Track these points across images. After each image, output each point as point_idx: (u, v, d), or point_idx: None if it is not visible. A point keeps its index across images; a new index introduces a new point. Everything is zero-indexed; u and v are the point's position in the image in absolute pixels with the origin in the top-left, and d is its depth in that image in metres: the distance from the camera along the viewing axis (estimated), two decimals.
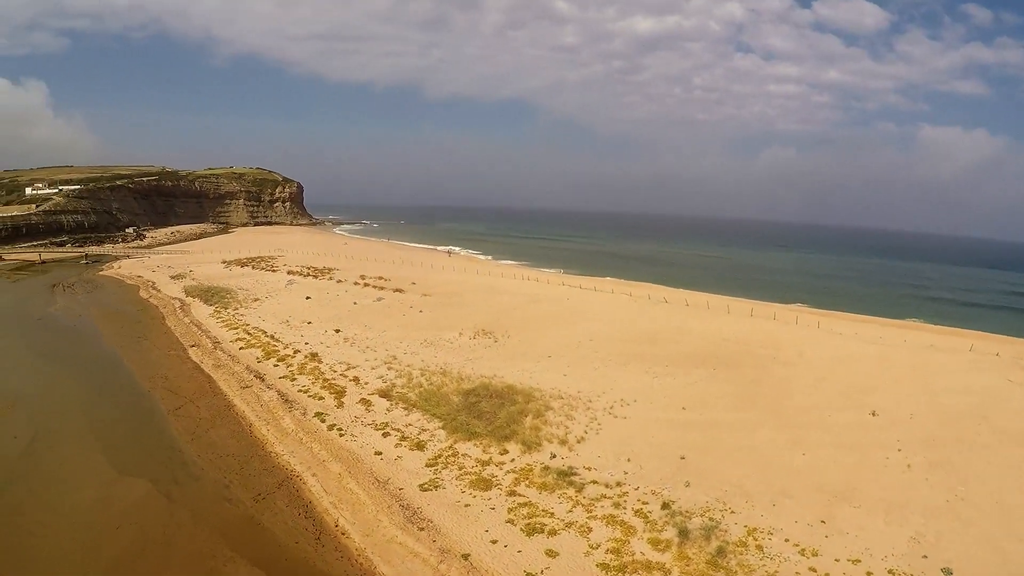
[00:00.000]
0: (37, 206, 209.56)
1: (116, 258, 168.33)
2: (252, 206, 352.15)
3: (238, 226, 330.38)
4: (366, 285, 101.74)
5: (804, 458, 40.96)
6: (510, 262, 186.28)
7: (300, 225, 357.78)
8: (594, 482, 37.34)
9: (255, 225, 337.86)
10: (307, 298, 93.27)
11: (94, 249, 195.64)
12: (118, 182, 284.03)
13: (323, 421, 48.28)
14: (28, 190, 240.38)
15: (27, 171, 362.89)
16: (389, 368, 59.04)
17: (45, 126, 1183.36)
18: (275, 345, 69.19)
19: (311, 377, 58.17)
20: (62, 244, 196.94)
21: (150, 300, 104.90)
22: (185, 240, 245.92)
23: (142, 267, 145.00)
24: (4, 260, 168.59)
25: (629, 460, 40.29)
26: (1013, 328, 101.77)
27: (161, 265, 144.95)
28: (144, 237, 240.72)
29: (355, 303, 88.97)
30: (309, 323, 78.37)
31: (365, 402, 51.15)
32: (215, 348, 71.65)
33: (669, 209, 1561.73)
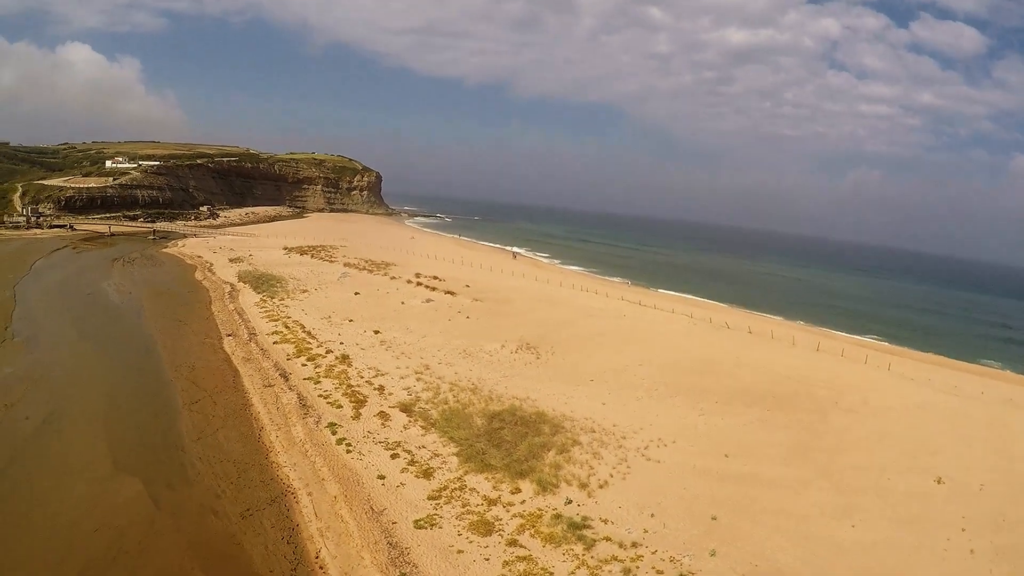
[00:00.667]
0: (114, 179, 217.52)
1: (183, 236, 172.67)
2: (329, 192, 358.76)
3: (314, 211, 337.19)
4: (419, 284, 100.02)
5: (853, 532, 36.04)
6: (576, 268, 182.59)
7: (375, 214, 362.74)
8: (607, 539, 33.49)
9: (331, 212, 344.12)
10: (356, 293, 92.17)
11: (164, 225, 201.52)
12: (199, 160, 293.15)
13: (334, 433, 46.06)
14: (108, 163, 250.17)
15: (115, 144, 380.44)
16: (419, 379, 56.56)
17: (137, 102, 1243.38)
18: (309, 342, 67.82)
19: (336, 381, 56.24)
20: (135, 218, 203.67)
21: (203, 282, 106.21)
22: (257, 222, 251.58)
23: (205, 247, 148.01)
24: (75, 230, 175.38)
25: (653, 515, 36.25)
26: None
27: (224, 247, 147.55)
28: (217, 216, 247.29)
29: (403, 303, 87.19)
30: (351, 321, 76.89)
31: (383, 416, 48.72)
32: (250, 340, 70.93)
33: (752, 223, 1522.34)
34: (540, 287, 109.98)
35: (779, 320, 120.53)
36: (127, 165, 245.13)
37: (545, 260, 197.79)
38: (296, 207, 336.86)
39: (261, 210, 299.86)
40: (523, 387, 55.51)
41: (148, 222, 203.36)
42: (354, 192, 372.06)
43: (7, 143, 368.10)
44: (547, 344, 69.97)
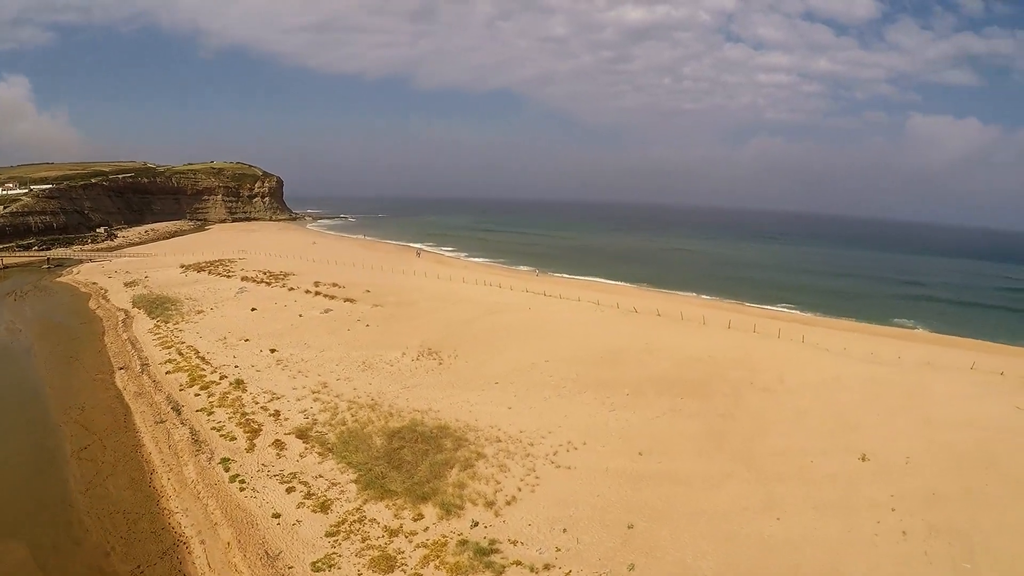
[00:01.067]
0: (4, 207, 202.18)
1: (78, 262, 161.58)
2: (230, 202, 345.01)
3: (216, 222, 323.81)
4: (317, 294, 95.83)
5: (779, 526, 34.26)
6: (482, 260, 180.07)
7: (278, 220, 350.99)
8: (518, 563, 31.32)
9: (233, 221, 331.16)
10: (252, 309, 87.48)
11: (59, 252, 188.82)
12: (94, 180, 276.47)
13: (227, 470, 42.73)
14: None
15: (6, 168, 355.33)
16: (316, 399, 53.43)
17: (28, 122, 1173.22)
18: (203, 369, 63.47)
19: (230, 410, 52.56)
20: (28, 247, 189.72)
21: (97, 311, 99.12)
22: (157, 240, 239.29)
23: (100, 272, 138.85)
24: None
25: (565, 530, 34.16)
26: (1015, 332, 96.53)
27: (119, 270, 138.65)
28: (115, 237, 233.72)
29: (300, 315, 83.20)
30: (247, 340, 72.64)
31: (279, 444, 45.60)
32: (142, 372, 65.99)
33: (659, 199, 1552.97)
34: (443, 285, 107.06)
35: (689, 297, 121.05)
36: (18, 191, 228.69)
37: (450, 255, 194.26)
38: (197, 219, 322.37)
39: (161, 226, 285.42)
40: (425, 398, 52.99)
41: (42, 250, 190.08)
42: (255, 199, 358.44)
43: None
44: (450, 347, 67.65)
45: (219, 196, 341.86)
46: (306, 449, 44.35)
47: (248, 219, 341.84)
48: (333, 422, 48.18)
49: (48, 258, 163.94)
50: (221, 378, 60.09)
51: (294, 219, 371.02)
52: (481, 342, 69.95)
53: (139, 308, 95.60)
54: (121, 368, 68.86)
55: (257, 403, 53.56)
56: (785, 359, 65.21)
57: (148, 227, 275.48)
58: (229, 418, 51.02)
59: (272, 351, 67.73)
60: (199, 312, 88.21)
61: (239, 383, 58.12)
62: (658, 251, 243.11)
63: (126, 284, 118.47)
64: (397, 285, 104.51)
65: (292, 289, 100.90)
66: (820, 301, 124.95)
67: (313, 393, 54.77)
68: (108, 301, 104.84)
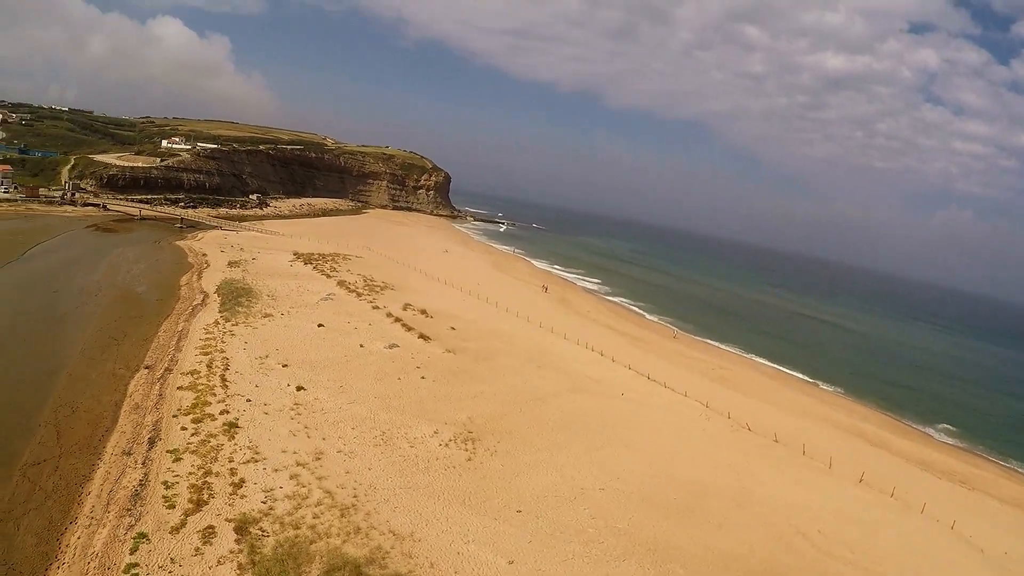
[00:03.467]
0: (161, 160, 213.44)
1: (208, 227, 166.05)
2: (395, 189, 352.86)
3: (376, 207, 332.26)
4: (397, 320, 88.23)
5: None
6: (621, 300, 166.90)
7: (439, 215, 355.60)
8: None
9: (393, 208, 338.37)
10: (319, 325, 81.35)
11: (201, 212, 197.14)
12: (261, 147, 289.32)
13: (133, 551, 35.27)
14: (164, 143, 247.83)
15: (193, 121, 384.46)
16: (293, 476, 44.80)
17: (225, 80, 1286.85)
18: (214, 394, 57.19)
19: (198, 463, 45.23)
20: (176, 202, 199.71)
21: (181, 288, 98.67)
22: (306, 216, 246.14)
23: (218, 243, 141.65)
24: (108, 210, 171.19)
25: None
26: None
27: (236, 245, 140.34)
28: (266, 205, 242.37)
29: (362, 346, 75.68)
30: (285, 366, 65.98)
31: (209, 533, 37.33)
32: (161, 379, 61.18)
33: (830, 255, 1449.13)
34: (542, 338, 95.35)
35: (829, 396, 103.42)
36: (182, 146, 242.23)
37: (592, 286, 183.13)
38: (360, 201, 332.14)
39: (319, 202, 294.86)
40: (415, 512, 42.36)
41: (189, 206, 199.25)
42: (420, 191, 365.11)
43: (90, 112, 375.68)
44: (498, 433, 57.04)
45: (384, 182, 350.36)
46: (230, 554, 35.64)
47: (409, 209, 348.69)
48: (286, 520, 39.16)
49: (182, 218, 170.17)
50: (221, 412, 53.24)
51: (455, 217, 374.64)
52: (540, 434, 58.79)
53: (219, 295, 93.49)
54: (147, 367, 64.73)
55: (232, 460, 45.89)
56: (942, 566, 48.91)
57: (305, 201, 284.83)
58: (189, 473, 43.65)
59: (299, 388, 60.31)
60: (267, 316, 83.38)
61: (232, 426, 50.87)
62: (814, 323, 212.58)
63: (229, 263, 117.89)
64: (490, 328, 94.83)
65: (377, 308, 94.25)
66: (991, 432, 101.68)
67: (298, 465, 46.23)
68: (200, 279, 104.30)
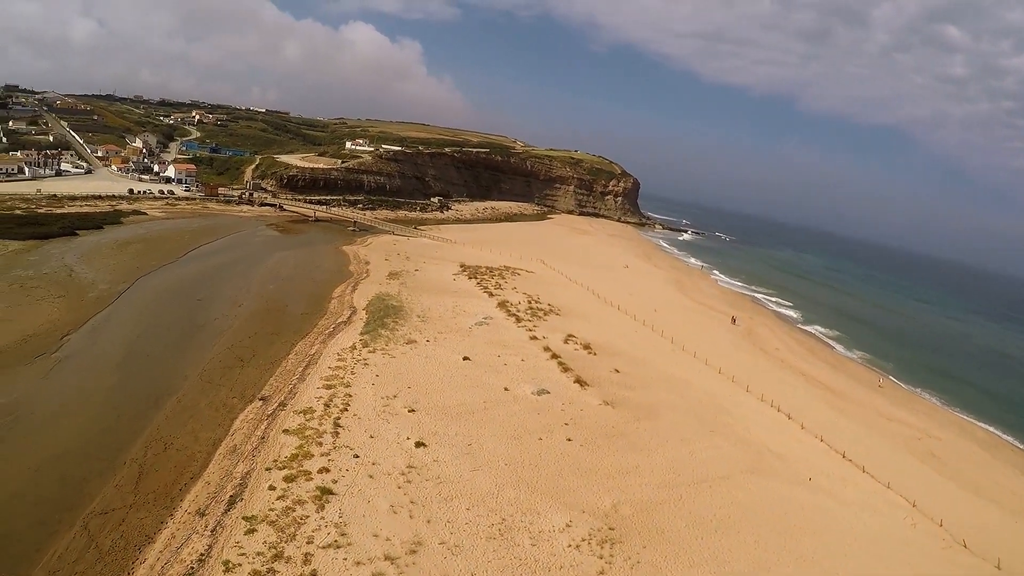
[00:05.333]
0: (343, 162, 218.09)
1: (380, 232, 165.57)
2: (581, 194, 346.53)
3: (562, 212, 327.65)
4: (554, 357, 78.08)
5: None
6: (818, 330, 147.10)
7: (626, 222, 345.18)
8: None
9: (579, 214, 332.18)
10: (465, 359, 73.37)
11: (382, 214, 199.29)
12: (446, 149, 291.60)
13: None
14: (348, 144, 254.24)
15: (384, 123, 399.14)
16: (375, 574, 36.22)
17: (416, 83, 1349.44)
18: (320, 443, 50.69)
19: (273, 539, 38.44)
20: (355, 203, 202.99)
21: (331, 302, 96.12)
22: (487, 221, 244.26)
23: (385, 250, 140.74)
24: (284, 211, 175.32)
25: None
26: None
27: (403, 253, 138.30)
28: (447, 208, 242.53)
29: (506, 389, 66.48)
30: (411, 411, 58.35)
31: None
32: (272, 416, 55.94)
33: None
34: (720, 388, 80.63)
35: None
36: (364, 148, 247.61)
37: (785, 310, 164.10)
38: (545, 205, 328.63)
39: (503, 206, 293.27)
40: None
41: (368, 208, 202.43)
42: (608, 197, 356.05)
43: (286, 113, 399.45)
44: (644, 533, 45.09)
45: (571, 187, 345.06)
46: None
47: (596, 215, 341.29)
48: None
49: (355, 221, 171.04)
50: (320, 471, 46.28)
51: (642, 225, 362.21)
52: (700, 537, 46.10)
53: (366, 312, 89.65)
54: (261, 399, 59.85)
55: (311, 541, 38.46)
56: None
57: (489, 204, 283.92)
58: (257, 553, 37.13)
59: (419, 445, 52.22)
60: (410, 342, 76.95)
61: (326, 493, 43.52)
62: None
63: (390, 274, 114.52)
64: (661, 373, 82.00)
65: (535, 339, 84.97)
66: None
67: (385, 559, 37.54)
68: (353, 292, 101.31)
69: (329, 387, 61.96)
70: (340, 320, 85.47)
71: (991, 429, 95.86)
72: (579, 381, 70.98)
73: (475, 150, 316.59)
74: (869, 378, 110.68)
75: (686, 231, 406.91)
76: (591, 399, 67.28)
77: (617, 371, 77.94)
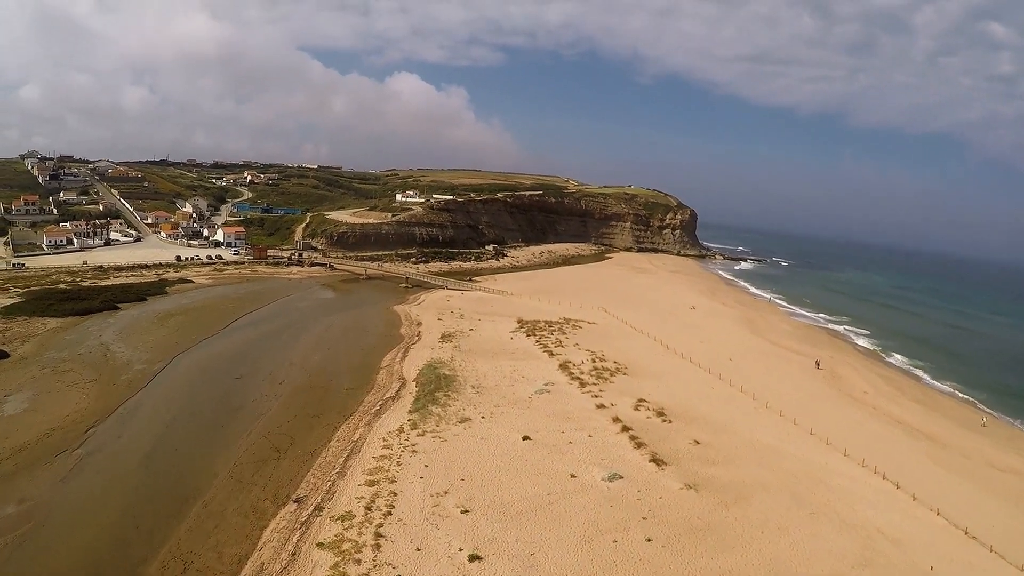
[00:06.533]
0: (393, 216, 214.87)
1: (434, 287, 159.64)
2: (639, 230, 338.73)
3: (620, 249, 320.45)
4: (625, 429, 69.02)
5: None
6: (897, 361, 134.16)
7: (685, 255, 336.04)
8: None
9: (638, 251, 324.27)
10: (524, 438, 65.52)
11: (436, 266, 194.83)
12: (499, 195, 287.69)
13: None
14: (398, 196, 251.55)
15: (436, 171, 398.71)
16: None
17: (466, 128, 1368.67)
18: (358, 561, 43.80)
19: None
20: (408, 257, 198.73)
21: (379, 373, 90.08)
22: (544, 265, 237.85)
23: (443, 306, 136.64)
24: (334, 270, 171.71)
25: None
26: None
27: (459, 310, 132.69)
28: (503, 256, 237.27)
29: (573, 476, 58.10)
30: (464, 512, 50.83)
31: None
32: (304, 526, 48.91)
33: None
34: (813, 454, 69.08)
35: None
36: (415, 200, 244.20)
37: (861, 342, 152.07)
38: (603, 244, 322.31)
39: (561, 248, 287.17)
40: None
41: (421, 261, 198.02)
42: (665, 231, 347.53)
43: (338, 168, 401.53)
44: None
45: (628, 223, 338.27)
46: None
47: (655, 250, 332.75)
48: None
49: (407, 277, 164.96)
50: None
51: (702, 256, 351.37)
52: None
53: (417, 384, 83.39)
54: (296, 501, 53.06)
55: None
56: None
57: (545, 248, 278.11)
58: None
59: (473, 558, 44.59)
60: (463, 421, 69.83)
61: None
62: None
63: (443, 336, 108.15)
64: (746, 440, 71.09)
65: (602, 407, 76.70)
66: None
67: None
68: (403, 359, 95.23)
69: (372, 483, 54.89)
70: (388, 395, 78.79)
71: None
72: (655, 460, 62.30)
73: (528, 193, 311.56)
74: (968, 416, 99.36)
75: (745, 259, 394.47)
76: (670, 482, 58.59)
77: (697, 442, 68.91)
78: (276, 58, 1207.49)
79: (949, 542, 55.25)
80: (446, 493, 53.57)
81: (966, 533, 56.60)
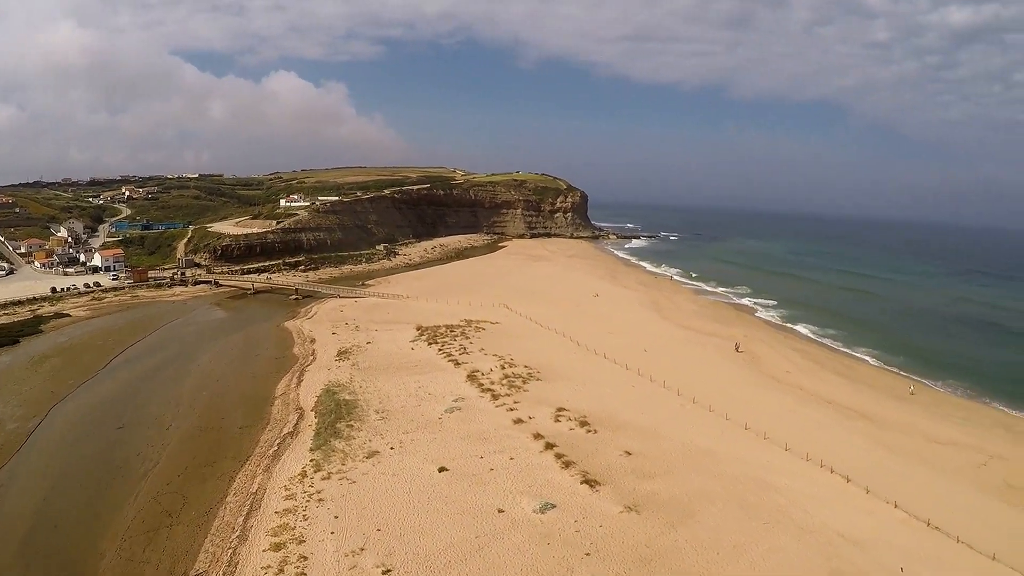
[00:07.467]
0: (278, 223, 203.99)
1: (325, 296, 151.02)
2: (530, 216, 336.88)
3: (512, 237, 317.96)
4: (549, 447, 63.37)
5: None
6: (806, 332, 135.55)
7: (578, 238, 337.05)
8: None
9: (530, 237, 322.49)
10: (440, 470, 59.63)
11: (326, 272, 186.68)
12: (386, 191, 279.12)
13: None
14: (283, 202, 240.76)
15: (320, 171, 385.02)
16: None
17: (347, 125, 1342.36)
18: None
19: None
20: (295, 265, 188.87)
21: (276, 404, 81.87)
22: (438, 261, 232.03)
23: (336, 317, 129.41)
24: (220, 286, 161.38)
25: None
26: None
27: (353, 320, 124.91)
28: (395, 255, 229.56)
29: (501, 511, 52.41)
30: (387, 573, 44.50)
31: None
32: None
33: (991, 221, 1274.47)
34: (752, 452, 67.03)
35: None
36: (299, 204, 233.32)
37: (768, 315, 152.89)
38: (495, 233, 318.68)
39: (453, 241, 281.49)
40: None
41: (310, 268, 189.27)
42: (557, 215, 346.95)
43: (220, 176, 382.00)
44: None
45: (519, 210, 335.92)
46: None
47: (548, 235, 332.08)
48: None
49: (296, 288, 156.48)
50: None
51: (596, 237, 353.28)
52: None
53: (316, 414, 76.03)
54: None
55: None
56: None
57: (437, 242, 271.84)
58: None
59: None
60: (371, 455, 63.31)
61: None
62: None
63: (339, 353, 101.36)
64: (680, 445, 66.06)
65: (519, 421, 71.27)
66: None
67: None
68: (299, 385, 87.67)
69: (278, 546, 47.85)
70: (286, 431, 70.90)
71: None
72: (588, 480, 57.18)
73: (415, 187, 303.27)
74: (893, 385, 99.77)
75: (638, 236, 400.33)
76: (608, 505, 53.60)
77: (628, 453, 64.15)
78: (149, 65, 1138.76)
79: (913, 537, 52.47)
80: (362, 550, 47.08)
81: (928, 524, 53.98)
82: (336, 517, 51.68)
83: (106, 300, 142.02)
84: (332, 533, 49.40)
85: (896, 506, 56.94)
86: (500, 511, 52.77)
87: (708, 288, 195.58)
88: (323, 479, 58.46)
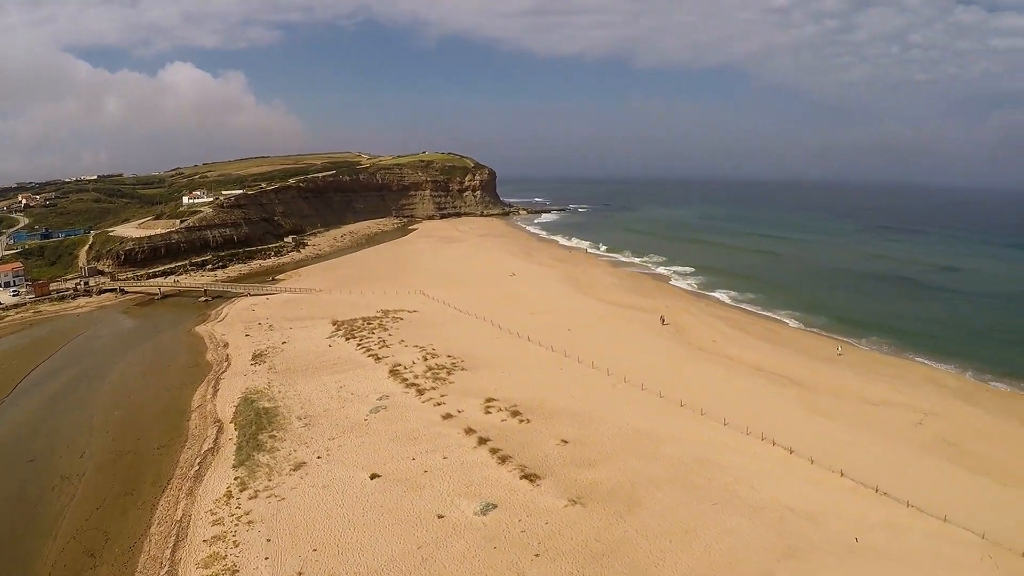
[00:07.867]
0: (181, 222, 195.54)
1: (235, 296, 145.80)
2: (439, 196, 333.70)
3: (423, 219, 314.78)
4: (483, 442, 61.74)
5: None
6: (726, 299, 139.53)
7: (489, 215, 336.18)
8: None
9: (441, 218, 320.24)
10: (372, 477, 57.94)
11: (234, 270, 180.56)
12: (291, 181, 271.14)
13: None
14: (185, 199, 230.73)
15: (223, 164, 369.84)
16: None
17: (247, 114, 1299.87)
18: None
19: None
20: (203, 265, 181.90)
21: (193, 418, 77.93)
22: (349, 249, 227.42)
23: (248, 317, 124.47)
24: (126, 293, 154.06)
25: None
26: None
27: (267, 320, 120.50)
28: (304, 246, 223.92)
29: (440, 517, 50.82)
30: None
31: None
32: None
33: (893, 177, 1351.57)
34: (691, 428, 68.20)
35: None
36: (203, 200, 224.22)
37: (688, 285, 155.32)
38: (404, 216, 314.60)
39: (362, 227, 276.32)
40: None
41: (218, 267, 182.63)
42: (466, 193, 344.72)
43: (119, 176, 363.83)
44: None
45: (427, 191, 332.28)
46: None
47: (458, 215, 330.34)
48: None
49: (205, 290, 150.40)
50: None
51: (506, 214, 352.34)
52: None
53: (235, 425, 72.78)
54: None
55: None
56: None
57: (347, 230, 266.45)
58: None
59: None
60: (298, 467, 61.04)
61: None
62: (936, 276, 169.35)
63: (254, 356, 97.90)
64: (618, 428, 66.92)
65: (449, 416, 69.83)
66: None
67: None
68: (215, 395, 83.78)
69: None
70: (206, 447, 67.53)
71: (969, 376, 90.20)
72: (527, 475, 56.24)
73: (321, 175, 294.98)
74: (819, 347, 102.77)
75: (548, 210, 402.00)
76: (551, 500, 52.80)
77: (564, 441, 63.48)
78: (39, 63, 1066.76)
79: (862, 505, 53.61)
80: (300, 575, 45.64)
81: (876, 491, 55.35)
82: (268, 540, 49.46)
83: (7, 319, 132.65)
84: (267, 559, 47.23)
85: (842, 475, 58.24)
86: (440, 516, 51.49)
87: (623, 259, 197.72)
88: (250, 498, 55.97)
